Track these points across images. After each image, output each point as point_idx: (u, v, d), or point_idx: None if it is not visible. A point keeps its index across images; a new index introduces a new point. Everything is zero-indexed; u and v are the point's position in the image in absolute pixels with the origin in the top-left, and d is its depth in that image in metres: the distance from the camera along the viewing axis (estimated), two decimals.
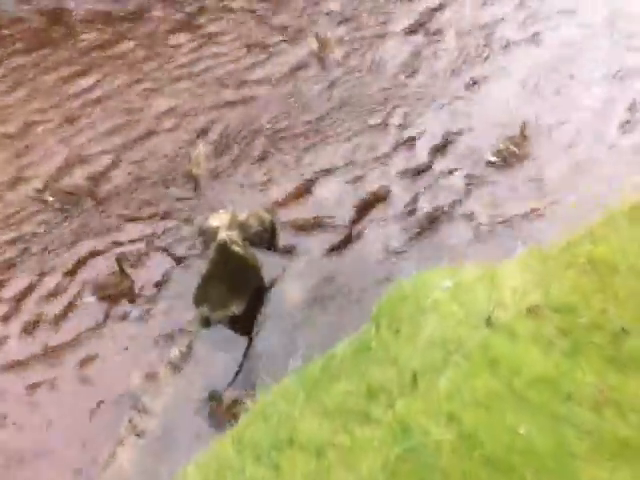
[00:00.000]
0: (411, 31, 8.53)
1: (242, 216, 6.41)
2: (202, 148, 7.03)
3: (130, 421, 4.83)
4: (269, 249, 6.27)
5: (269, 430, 3.96)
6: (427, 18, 8.69)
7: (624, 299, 4.22)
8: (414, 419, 3.75)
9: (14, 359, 5.40)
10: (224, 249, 5.85)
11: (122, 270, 5.79)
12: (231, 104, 7.68)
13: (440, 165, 6.82)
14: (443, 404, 3.80)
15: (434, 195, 6.54)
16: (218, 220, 6.35)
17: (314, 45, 8.19)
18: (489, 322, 4.30)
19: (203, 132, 7.33)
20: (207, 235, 6.30)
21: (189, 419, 4.84)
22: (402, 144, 7.07)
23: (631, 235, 4.73)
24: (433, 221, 6.21)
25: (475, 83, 7.74)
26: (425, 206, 6.46)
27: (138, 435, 4.73)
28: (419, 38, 8.39)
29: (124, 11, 8.78)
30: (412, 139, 7.12)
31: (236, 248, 5.86)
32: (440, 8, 8.80)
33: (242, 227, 6.33)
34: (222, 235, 5.96)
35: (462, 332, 4.26)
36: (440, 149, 6.99)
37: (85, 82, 7.77)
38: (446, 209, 6.39)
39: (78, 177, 6.77)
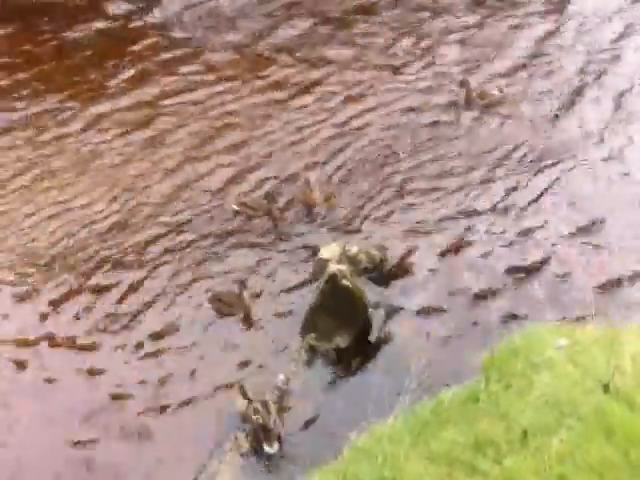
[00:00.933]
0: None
1: (353, 250, 6.56)
2: (317, 174, 7.24)
3: (235, 440, 5.00)
4: (377, 285, 6.37)
5: (373, 468, 4.03)
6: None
7: None
8: (523, 477, 3.74)
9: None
10: (334, 282, 6.01)
11: (240, 292, 6.05)
12: (359, 130, 7.90)
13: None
14: (554, 465, 3.78)
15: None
16: (329, 252, 6.52)
17: (461, 91, 8.21)
18: (607, 388, 4.23)
19: (325, 157, 7.58)
20: (318, 266, 6.47)
21: (292, 444, 4.97)
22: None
23: None
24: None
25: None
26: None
27: (242, 455, 4.90)
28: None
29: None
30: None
31: (345, 282, 6.00)
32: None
33: (352, 261, 6.47)
34: (332, 268, 6.12)
35: (577, 394, 4.21)
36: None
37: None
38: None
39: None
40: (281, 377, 5.46)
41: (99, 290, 6.33)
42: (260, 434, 4.86)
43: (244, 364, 5.65)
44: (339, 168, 7.47)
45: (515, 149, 7.57)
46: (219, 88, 8.63)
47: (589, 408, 4.09)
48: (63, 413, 5.31)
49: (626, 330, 4.79)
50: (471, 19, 9.63)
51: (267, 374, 5.53)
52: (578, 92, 8.33)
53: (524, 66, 8.79)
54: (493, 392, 4.40)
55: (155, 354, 5.73)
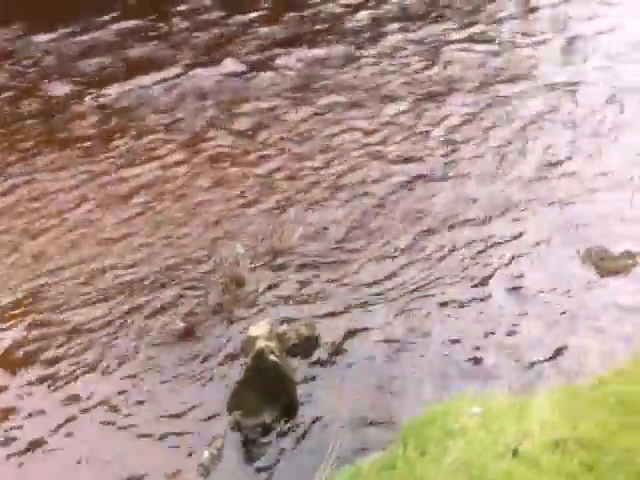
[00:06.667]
0: None
1: (282, 327, 6.80)
2: (241, 248, 7.50)
3: None
4: (306, 361, 6.59)
5: None
6: None
7: None
8: None
9: None
10: (261, 358, 6.21)
11: None
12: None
13: None
14: None
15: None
16: (258, 330, 6.73)
17: None
18: (515, 452, 4.52)
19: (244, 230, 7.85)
20: (246, 343, 6.67)
21: None
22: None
23: None
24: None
25: None
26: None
27: None
28: None
29: None
30: None
31: (273, 358, 6.21)
32: None
33: (280, 338, 6.69)
34: (260, 344, 6.33)
35: (488, 459, 4.52)
36: None
37: None
38: None
39: None
40: (205, 454, 5.57)
41: None
42: None
43: (167, 440, 5.73)
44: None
45: None
46: None
47: (498, 472, 4.37)
48: None
49: (536, 398, 5.14)
50: None
51: (191, 450, 5.62)
52: None
53: None
54: (409, 459, 4.67)
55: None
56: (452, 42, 11.16)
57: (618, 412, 4.75)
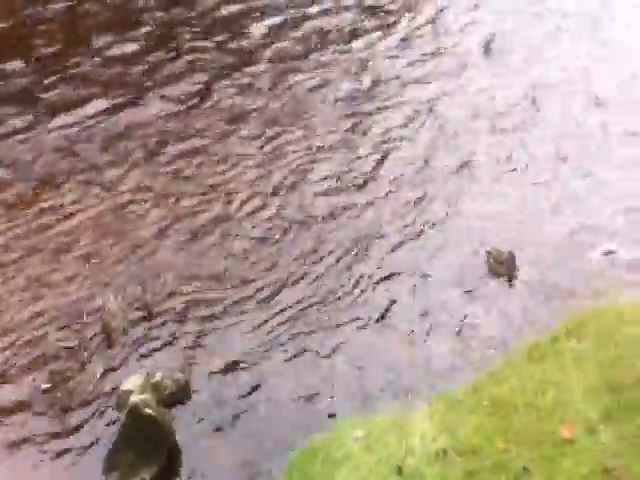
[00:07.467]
0: None
1: (156, 377, 6.53)
2: (113, 298, 7.17)
3: None
4: (185, 409, 6.35)
5: None
6: None
7: (524, 437, 4.54)
8: None
9: None
10: (136, 412, 5.93)
11: None
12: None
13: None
14: None
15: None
16: (131, 383, 6.43)
17: None
18: (400, 470, 4.52)
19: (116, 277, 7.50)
20: (120, 398, 6.35)
21: None
22: None
23: (529, 374, 5.14)
24: None
25: None
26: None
27: None
28: None
29: None
30: None
31: (148, 411, 5.94)
32: None
33: (156, 389, 6.42)
34: (134, 398, 6.04)
35: None
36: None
37: None
38: None
39: None
40: None
41: None
42: None
43: None
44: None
45: None
46: None
47: None
48: None
49: (416, 412, 5.17)
50: None
51: None
52: None
53: None
54: None
55: None
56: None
57: (492, 414, 4.86)
